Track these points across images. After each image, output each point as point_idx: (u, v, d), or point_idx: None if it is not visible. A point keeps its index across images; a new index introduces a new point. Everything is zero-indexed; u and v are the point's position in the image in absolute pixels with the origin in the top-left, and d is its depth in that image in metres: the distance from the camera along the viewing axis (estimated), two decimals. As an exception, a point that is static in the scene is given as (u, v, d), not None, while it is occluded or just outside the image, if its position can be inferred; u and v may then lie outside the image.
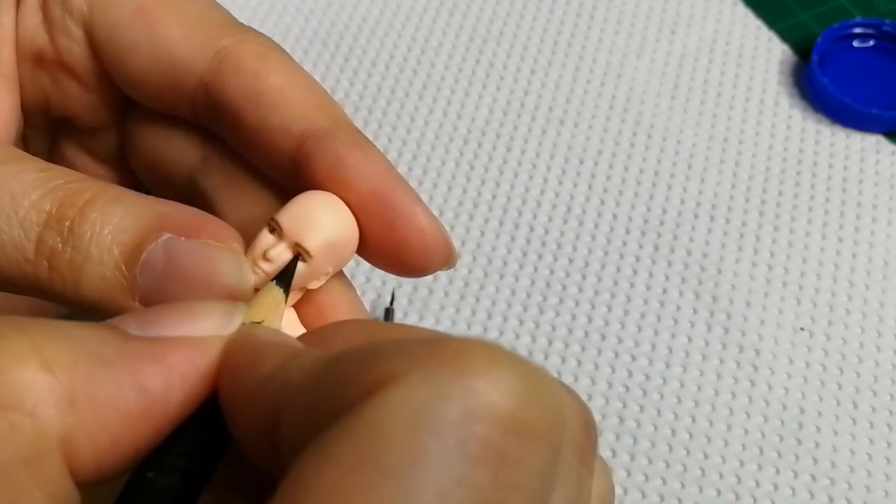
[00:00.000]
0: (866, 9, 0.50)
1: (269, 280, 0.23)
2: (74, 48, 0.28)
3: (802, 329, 0.39)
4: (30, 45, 0.28)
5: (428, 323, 0.39)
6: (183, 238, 0.23)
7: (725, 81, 0.48)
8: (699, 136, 0.46)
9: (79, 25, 0.27)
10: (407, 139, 0.45)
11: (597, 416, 0.37)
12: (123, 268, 0.22)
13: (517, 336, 0.39)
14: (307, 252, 0.23)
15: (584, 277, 0.41)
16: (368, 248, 0.25)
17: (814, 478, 0.36)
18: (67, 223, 0.22)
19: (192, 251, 0.23)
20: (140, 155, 0.30)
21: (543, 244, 0.42)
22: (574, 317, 0.40)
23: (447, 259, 0.25)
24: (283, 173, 0.26)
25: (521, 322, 0.39)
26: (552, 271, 0.41)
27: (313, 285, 0.24)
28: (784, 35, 0.49)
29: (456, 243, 0.41)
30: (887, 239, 0.42)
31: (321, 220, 0.23)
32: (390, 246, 0.25)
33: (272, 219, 0.23)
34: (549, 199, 0.43)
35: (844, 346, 0.39)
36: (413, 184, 0.27)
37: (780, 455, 0.36)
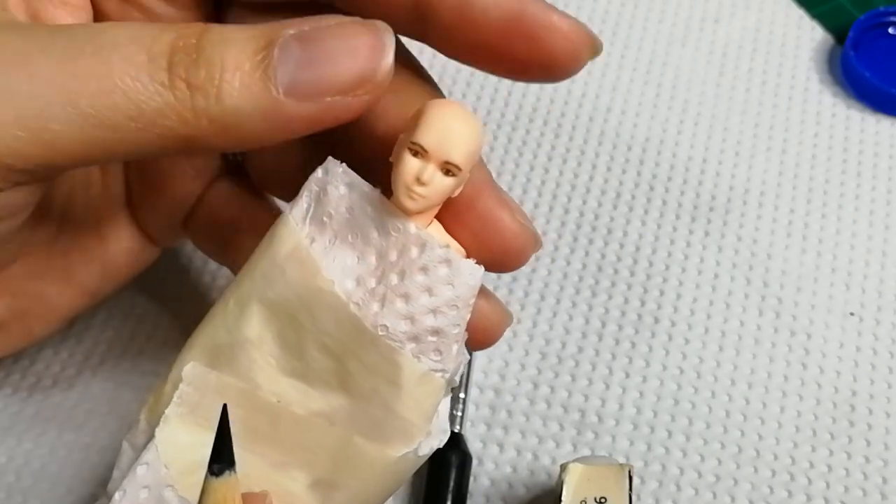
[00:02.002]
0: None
1: (426, 204, 0.24)
2: None
3: (852, 314, 0.40)
4: None
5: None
6: (307, 27, 0.23)
7: (769, 69, 0.48)
8: (745, 123, 0.46)
9: None
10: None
11: (652, 398, 0.37)
12: (260, 66, 0.23)
13: (570, 317, 0.40)
14: (456, 167, 0.23)
15: (635, 262, 0.41)
16: (517, 68, 0.24)
17: (867, 459, 0.36)
18: (193, 41, 0.23)
19: (326, 29, 0.23)
20: None
21: (594, 229, 0.42)
22: (626, 300, 0.40)
23: (595, 51, 0.25)
24: (408, 25, 0.25)
25: (574, 304, 0.40)
26: (603, 255, 0.42)
27: (457, 193, 0.25)
28: (822, 19, 0.50)
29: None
30: (934, 225, 0.43)
31: (461, 134, 0.23)
32: (537, 60, 0.24)
33: (413, 142, 0.23)
34: (598, 185, 0.44)
35: (894, 331, 0.39)
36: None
37: (833, 437, 0.37)
